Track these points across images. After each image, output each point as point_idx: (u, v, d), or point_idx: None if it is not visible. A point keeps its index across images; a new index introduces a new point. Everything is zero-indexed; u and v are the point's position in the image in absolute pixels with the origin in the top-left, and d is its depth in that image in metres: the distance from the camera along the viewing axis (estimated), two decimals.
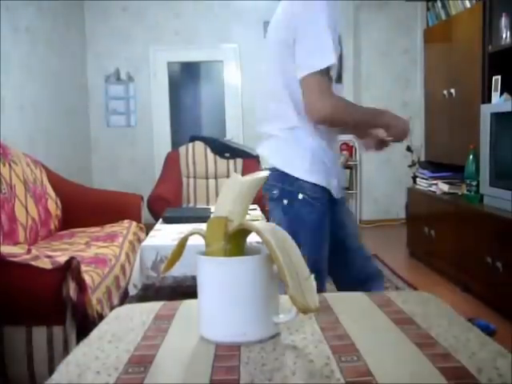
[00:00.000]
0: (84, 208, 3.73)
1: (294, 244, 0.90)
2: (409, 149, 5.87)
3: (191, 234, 0.95)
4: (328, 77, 1.67)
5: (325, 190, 1.73)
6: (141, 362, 0.80)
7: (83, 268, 2.18)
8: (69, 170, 4.79)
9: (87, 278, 2.19)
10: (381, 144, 1.82)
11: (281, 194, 1.73)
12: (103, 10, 6.10)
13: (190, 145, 5.21)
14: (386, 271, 4.01)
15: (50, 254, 2.04)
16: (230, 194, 0.93)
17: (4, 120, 3.74)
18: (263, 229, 0.86)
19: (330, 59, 1.64)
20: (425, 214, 4.27)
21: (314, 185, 1.71)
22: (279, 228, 0.92)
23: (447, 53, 4.27)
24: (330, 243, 1.77)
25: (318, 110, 1.65)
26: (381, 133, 1.77)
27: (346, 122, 1.77)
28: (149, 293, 2.98)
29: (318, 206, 1.71)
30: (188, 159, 5.14)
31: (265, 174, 0.97)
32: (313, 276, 0.89)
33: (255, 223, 0.89)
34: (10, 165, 3.08)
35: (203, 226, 0.94)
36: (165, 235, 2.87)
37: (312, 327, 0.93)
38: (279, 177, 1.72)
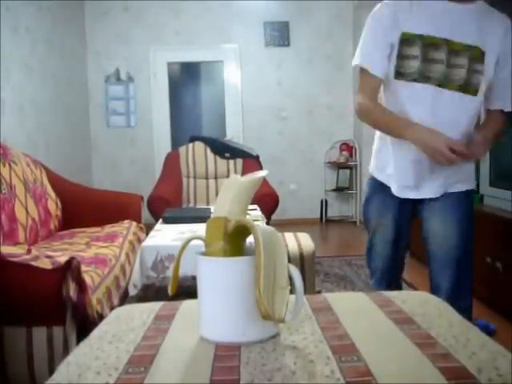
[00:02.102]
0: (84, 208, 3.73)
1: (284, 252, 0.89)
2: None
3: (189, 241, 0.95)
4: (369, 77, 1.76)
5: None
6: (141, 362, 0.80)
7: (83, 268, 2.18)
8: (69, 170, 4.79)
9: (87, 278, 2.19)
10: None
11: None
12: (103, 10, 6.10)
13: (190, 145, 5.21)
14: None
15: (50, 254, 2.03)
16: (229, 194, 0.93)
17: (4, 120, 3.74)
18: (257, 226, 0.86)
19: (357, 60, 1.78)
20: None
21: None
22: (276, 232, 0.91)
23: None
24: None
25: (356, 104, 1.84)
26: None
27: (372, 125, 1.86)
28: (149, 293, 2.97)
29: None
30: (188, 159, 5.14)
31: (263, 173, 0.97)
32: (288, 289, 0.88)
33: (251, 220, 0.89)
34: (9, 165, 3.08)
35: (203, 227, 0.94)
36: (165, 235, 2.87)
37: (312, 327, 0.93)
38: None
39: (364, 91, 1.79)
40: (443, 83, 1.69)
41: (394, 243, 1.95)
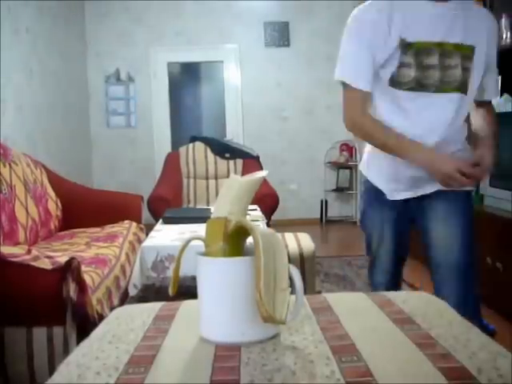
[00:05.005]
0: (84, 208, 3.73)
1: (284, 253, 0.89)
2: None
3: (189, 241, 0.95)
4: (356, 91, 1.66)
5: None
6: (141, 363, 0.80)
7: (83, 268, 2.18)
8: (69, 170, 4.79)
9: (87, 279, 2.19)
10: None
11: None
12: (103, 11, 6.10)
13: (190, 145, 5.21)
14: None
15: (50, 255, 2.03)
16: (229, 195, 0.93)
17: (4, 120, 3.74)
18: (257, 228, 0.86)
19: (340, 73, 1.70)
20: None
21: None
22: (276, 234, 0.91)
23: None
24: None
25: (344, 120, 1.78)
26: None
27: (369, 141, 1.84)
28: (149, 293, 2.97)
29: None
30: (188, 160, 5.14)
31: (263, 173, 0.97)
32: (289, 290, 0.88)
33: (251, 222, 0.89)
34: (10, 165, 3.08)
35: (203, 227, 0.94)
36: (165, 236, 2.87)
37: (312, 327, 0.93)
38: None
39: (353, 106, 1.70)
40: (440, 88, 1.65)
41: (397, 257, 1.90)
